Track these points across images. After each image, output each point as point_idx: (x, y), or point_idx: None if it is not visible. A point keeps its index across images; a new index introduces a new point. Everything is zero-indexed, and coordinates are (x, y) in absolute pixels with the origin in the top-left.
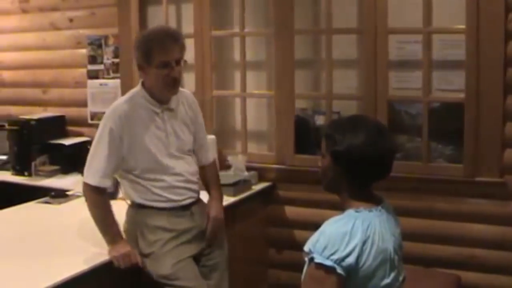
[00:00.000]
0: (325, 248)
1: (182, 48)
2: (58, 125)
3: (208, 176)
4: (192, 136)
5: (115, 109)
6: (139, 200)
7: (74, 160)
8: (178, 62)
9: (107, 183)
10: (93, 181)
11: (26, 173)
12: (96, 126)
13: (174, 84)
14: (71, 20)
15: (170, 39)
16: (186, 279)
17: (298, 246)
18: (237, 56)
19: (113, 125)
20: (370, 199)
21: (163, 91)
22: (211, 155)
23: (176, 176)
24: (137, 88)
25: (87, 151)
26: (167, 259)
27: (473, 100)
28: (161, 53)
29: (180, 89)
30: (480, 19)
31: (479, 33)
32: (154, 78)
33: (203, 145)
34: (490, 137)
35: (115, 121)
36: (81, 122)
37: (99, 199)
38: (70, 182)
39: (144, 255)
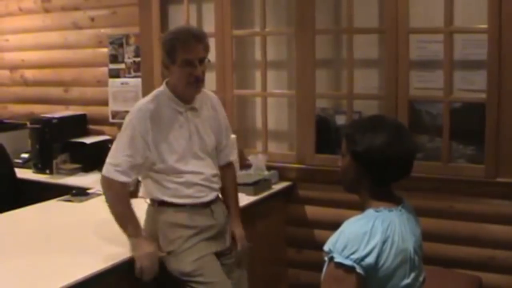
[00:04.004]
0: (344, 247)
1: (206, 47)
2: (80, 124)
3: (227, 182)
4: (215, 137)
5: (140, 108)
6: (159, 197)
7: (95, 158)
8: (201, 61)
9: (123, 178)
10: (109, 174)
11: (47, 171)
12: (117, 124)
13: (197, 83)
14: (92, 19)
15: (193, 38)
16: (209, 275)
17: (318, 245)
18: (258, 55)
19: (137, 124)
20: (390, 199)
21: (186, 89)
22: (232, 156)
23: (198, 175)
24: (162, 87)
25: (108, 149)
26: (188, 256)
27: (495, 100)
28: (184, 51)
29: (205, 90)
30: (502, 19)
31: (502, 33)
32: (178, 76)
33: (227, 146)
34: None
35: (140, 121)
36: (102, 120)
37: (114, 193)
38: (91, 180)
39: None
